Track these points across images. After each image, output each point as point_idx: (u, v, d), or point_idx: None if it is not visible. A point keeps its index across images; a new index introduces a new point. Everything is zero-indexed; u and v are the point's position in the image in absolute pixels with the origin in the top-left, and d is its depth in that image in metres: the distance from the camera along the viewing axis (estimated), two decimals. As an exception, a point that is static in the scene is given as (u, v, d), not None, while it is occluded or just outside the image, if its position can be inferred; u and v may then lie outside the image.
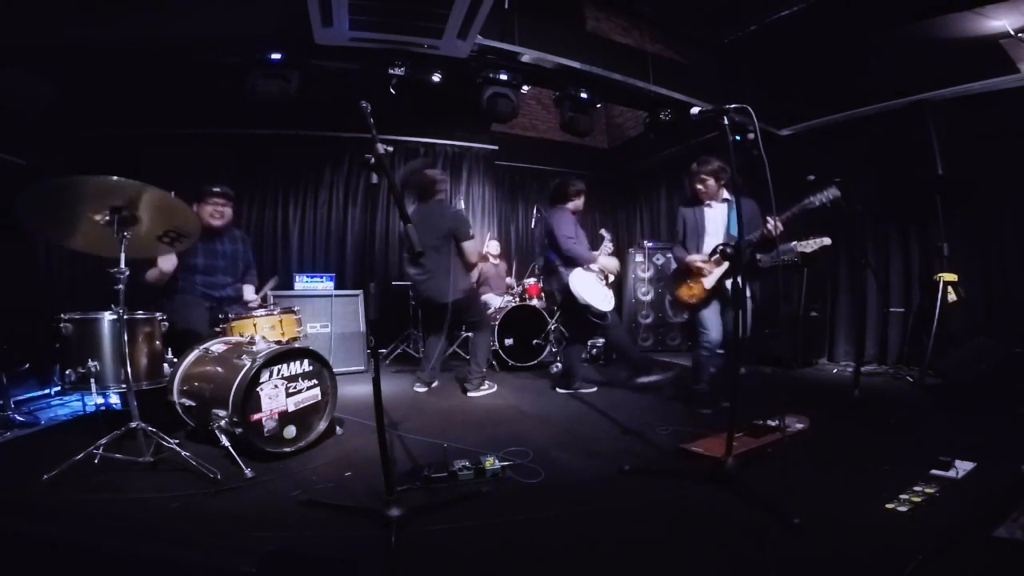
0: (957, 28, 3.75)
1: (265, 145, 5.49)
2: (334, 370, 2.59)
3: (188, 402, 2.36)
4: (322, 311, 4.56)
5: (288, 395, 2.35)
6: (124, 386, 2.18)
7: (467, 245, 3.49)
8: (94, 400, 2.44)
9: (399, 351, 5.36)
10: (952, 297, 3.80)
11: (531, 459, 2.21)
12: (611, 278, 3.61)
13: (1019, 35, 3.56)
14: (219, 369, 2.37)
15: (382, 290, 5.76)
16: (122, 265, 2.10)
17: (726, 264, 2.93)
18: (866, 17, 4.08)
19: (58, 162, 4.16)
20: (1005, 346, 3.15)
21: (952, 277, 3.83)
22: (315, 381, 2.49)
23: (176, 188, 2.19)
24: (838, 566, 1.40)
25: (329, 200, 5.89)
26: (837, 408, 3.17)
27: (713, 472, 1.91)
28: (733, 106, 1.94)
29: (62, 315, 2.21)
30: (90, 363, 2.16)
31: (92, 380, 2.15)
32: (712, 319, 3.01)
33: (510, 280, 5.63)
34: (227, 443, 2.11)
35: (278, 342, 2.75)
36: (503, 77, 4.08)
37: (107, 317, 2.23)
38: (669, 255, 5.48)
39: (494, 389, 3.72)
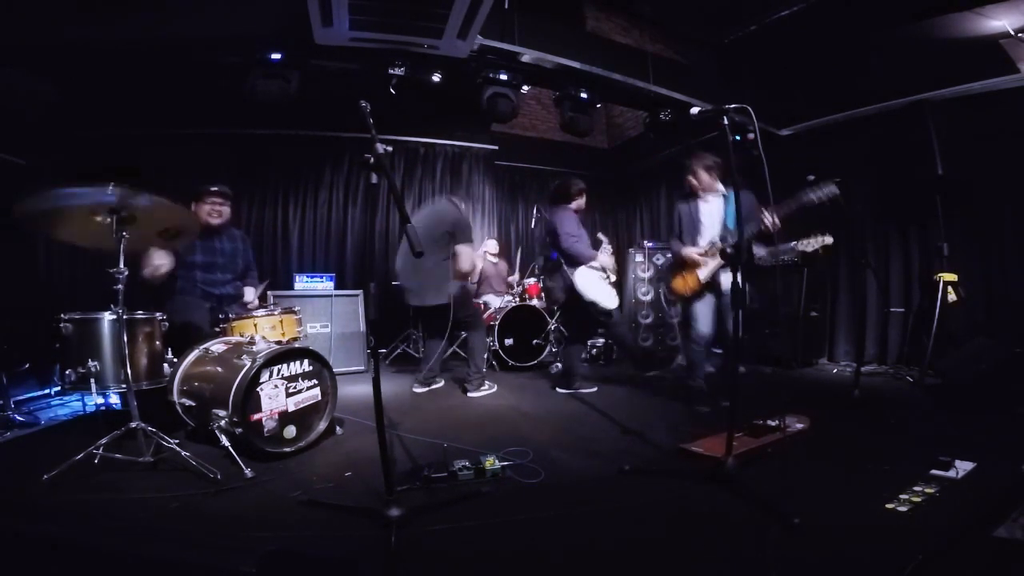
0: (957, 28, 3.75)
1: (265, 145, 5.49)
2: (334, 370, 2.59)
3: (188, 402, 2.36)
4: (322, 311, 4.56)
5: (288, 395, 2.35)
6: (124, 386, 2.18)
7: (462, 248, 3.49)
8: (94, 400, 2.44)
9: (399, 351, 5.36)
10: (952, 297, 3.80)
11: (531, 459, 2.21)
12: (612, 277, 3.62)
13: (1019, 35, 3.56)
14: (219, 369, 2.37)
15: (382, 290, 5.75)
16: (121, 265, 2.11)
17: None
18: (866, 17, 4.08)
19: (58, 162, 4.16)
20: (1005, 346, 3.15)
21: (952, 277, 3.83)
22: (315, 381, 2.49)
23: (176, 188, 2.20)
24: (838, 566, 1.40)
25: (329, 200, 5.89)
26: (837, 408, 3.17)
27: (713, 472, 1.91)
28: (733, 106, 1.94)
29: (62, 315, 2.21)
30: (90, 363, 2.16)
31: (92, 380, 2.15)
32: (703, 312, 3.05)
33: (513, 277, 5.62)
34: (227, 443, 2.11)
35: (278, 342, 2.75)
36: (503, 77, 4.08)
37: (107, 317, 2.23)
38: (669, 254, 5.48)
39: (494, 389, 3.72)
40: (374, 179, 1.67)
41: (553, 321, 4.83)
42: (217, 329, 2.89)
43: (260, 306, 3.28)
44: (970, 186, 4.06)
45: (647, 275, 5.89)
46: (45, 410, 3.27)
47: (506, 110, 4.15)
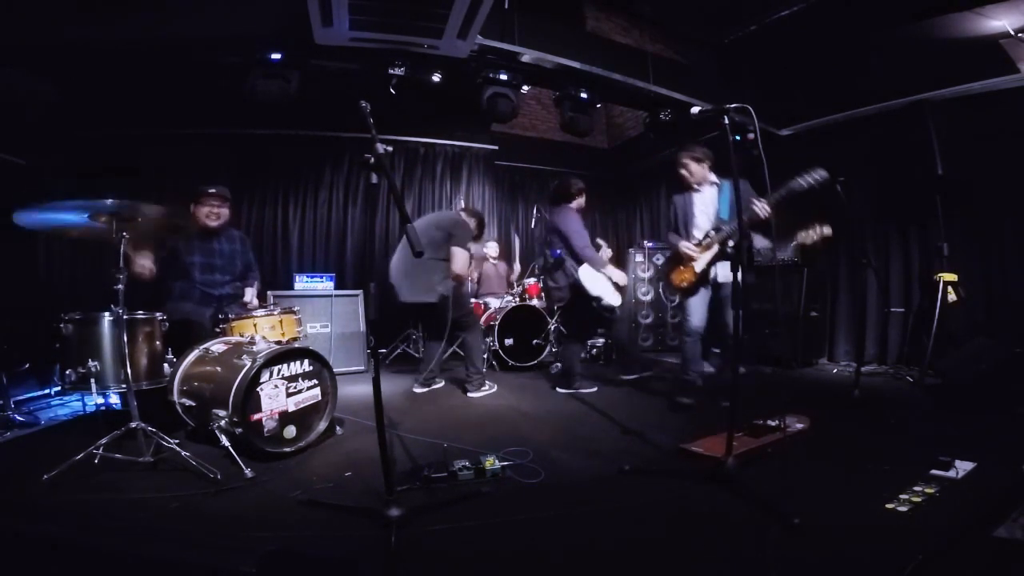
0: (957, 28, 3.75)
1: (265, 145, 5.49)
2: (334, 370, 2.59)
3: (188, 402, 2.36)
4: (322, 311, 4.56)
5: (288, 395, 2.35)
6: (124, 386, 2.18)
7: (458, 251, 3.49)
8: (94, 400, 2.44)
9: (399, 351, 5.36)
10: (952, 297, 3.80)
11: (531, 459, 2.21)
12: (623, 283, 3.62)
13: (1019, 35, 3.56)
14: (219, 369, 2.37)
15: (382, 290, 5.74)
16: (121, 264, 2.11)
17: (715, 248, 2.98)
18: (866, 17, 4.08)
19: (58, 162, 4.16)
20: (1005, 346, 3.15)
21: (952, 277, 3.83)
22: (315, 381, 2.49)
23: (176, 188, 2.21)
24: (838, 566, 1.40)
25: (329, 200, 5.88)
26: (837, 408, 3.17)
27: (713, 472, 1.91)
28: (733, 106, 1.93)
29: (62, 315, 2.22)
30: (90, 363, 2.16)
31: (92, 380, 2.15)
32: (696, 305, 3.09)
33: (515, 271, 5.61)
34: (227, 443, 2.11)
35: (278, 342, 2.75)
36: (503, 77, 4.08)
37: (107, 317, 2.23)
38: (669, 253, 5.49)
39: (494, 389, 3.72)
40: (374, 179, 1.67)
41: (553, 321, 4.83)
42: (217, 329, 2.89)
43: (260, 306, 3.28)
44: (970, 186, 4.06)
45: (647, 275, 5.89)
46: (45, 410, 3.27)
47: (506, 110, 4.15)
